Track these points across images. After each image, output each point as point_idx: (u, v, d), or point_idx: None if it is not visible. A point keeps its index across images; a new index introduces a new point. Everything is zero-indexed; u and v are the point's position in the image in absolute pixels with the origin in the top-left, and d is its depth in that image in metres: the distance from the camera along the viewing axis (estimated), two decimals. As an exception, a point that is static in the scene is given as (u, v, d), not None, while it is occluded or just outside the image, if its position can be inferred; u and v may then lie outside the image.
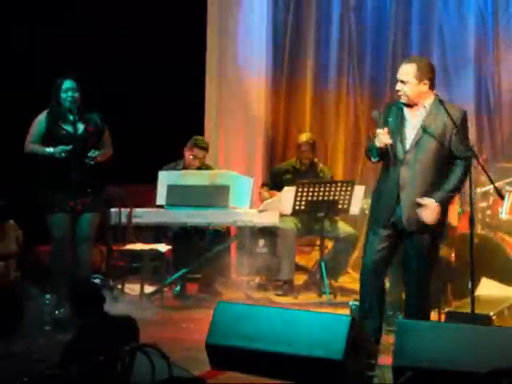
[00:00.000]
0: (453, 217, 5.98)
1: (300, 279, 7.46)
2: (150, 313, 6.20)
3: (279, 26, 8.74)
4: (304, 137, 7.62)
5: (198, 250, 6.95)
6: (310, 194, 6.90)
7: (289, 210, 6.98)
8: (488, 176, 5.44)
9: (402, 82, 4.94)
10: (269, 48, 8.70)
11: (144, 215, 6.75)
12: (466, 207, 5.87)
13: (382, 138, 4.87)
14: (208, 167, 7.37)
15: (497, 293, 6.11)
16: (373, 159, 5.03)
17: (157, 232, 7.22)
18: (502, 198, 6.13)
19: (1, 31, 7.67)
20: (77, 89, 5.94)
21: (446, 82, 8.25)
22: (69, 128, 5.95)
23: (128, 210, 6.71)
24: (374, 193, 5.15)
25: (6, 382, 3.27)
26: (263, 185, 7.77)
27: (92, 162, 5.92)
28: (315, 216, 7.08)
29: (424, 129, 4.92)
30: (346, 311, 5.67)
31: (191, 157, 7.17)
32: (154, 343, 3.72)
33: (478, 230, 6.70)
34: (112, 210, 6.69)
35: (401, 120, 4.99)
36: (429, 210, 4.82)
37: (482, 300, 5.83)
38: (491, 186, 6.49)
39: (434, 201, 4.81)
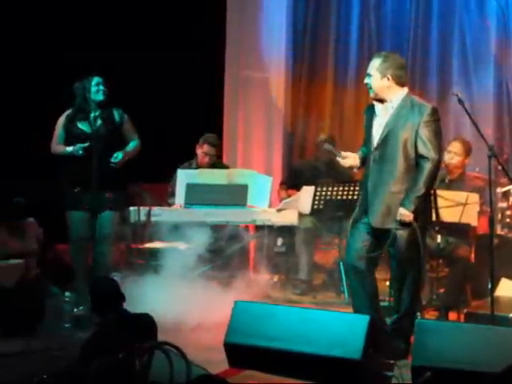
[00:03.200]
0: (472, 217, 5.94)
1: (319, 279, 7.44)
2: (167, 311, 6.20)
3: (299, 25, 8.74)
4: (323, 136, 7.61)
5: (216, 249, 6.94)
6: (329, 193, 6.89)
7: (307, 210, 6.97)
8: (508, 176, 5.42)
9: (368, 74, 5.03)
10: (288, 48, 8.69)
11: (163, 214, 6.76)
12: (486, 207, 5.84)
13: (343, 163, 5.13)
14: (221, 165, 7.36)
15: (516, 294, 6.08)
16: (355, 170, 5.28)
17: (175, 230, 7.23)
18: (523, 198, 6.10)
19: (19, 32, 7.71)
20: (104, 83, 6.01)
21: (466, 82, 8.21)
22: (85, 127, 5.98)
23: (147, 208, 6.72)
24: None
25: (26, 379, 3.29)
26: (282, 184, 7.77)
27: (116, 166, 5.94)
28: (334, 215, 7.06)
29: (389, 126, 4.96)
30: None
31: (202, 154, 7.17)
32: (172, 341, 3.73)
33: (498, 230, 6.66)
34: (131, 208, 6.71)
35: (372, 117, 5.07)
36: (402, 217, 4.87)
37: (502, 301, 5.80)
38: (511, 187, 6.46)
39: (402, 209, 4.86)
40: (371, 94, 5.04)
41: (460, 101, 5.13)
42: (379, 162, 4.96)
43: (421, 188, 4.85)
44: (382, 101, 5.02)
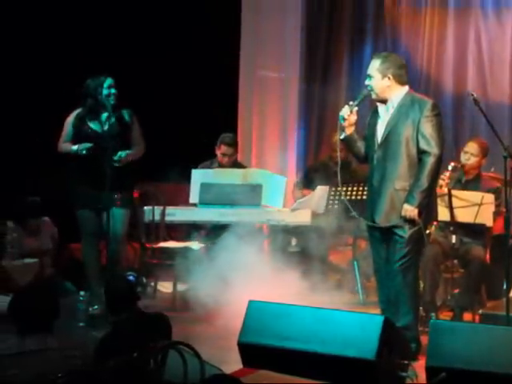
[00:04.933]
0: (488, 217, 5.92)
1: (333, 278, 7.43)
2: (182, 310, 6.22)
3: (314, 25, 8.72)
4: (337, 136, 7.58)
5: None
6: (343, 193, 6.87)
7: (321, 209, 6.96)
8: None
9: (368, 76, 5.03)
10: (303, 48, 8.68)
11: (177, 213, 6.77)
12: (502, 208, 5.81)
13: (344, 109, 4.99)
14: (241, 165, 7.37)
15: (532, 294, 6.04)
16: (341, 137, 5.16)
17: (190, 230, 7.24)
18: (539, 198, 6.06)
19: (32, 35, 7.74)
20: (115, 86, 6.01)
21: (481, 83, 8.16)
22: (95, 126, 6.01)
23: (161, 207, 6.74)
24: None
25: (41, 377, 3.30)
26: (296, 184, 7.76)
27: (119, 164, 5.94)
28: (348, 215, 7.04)
29: (391, 124, 4.97)
30: (379, 311, 5.63)
31: (221, 155, 7.18)
32: (186, 341, 3.73)
33: (514, 230, 6.62)
34: (145, 207, 6.73)
35: (375, 118, 5.08)
36: (407, 213, 4.87)
37: (517, 302, 5.77)
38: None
39: (406, 205, 4.87)
40: (373, 96, 5.05)
41: (475, 101, 5.12)
42: (382, 161, 4.98)
43: (424, 183, 4.86)
44: (384, 101, 5.04)
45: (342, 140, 5.17)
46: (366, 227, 5.23)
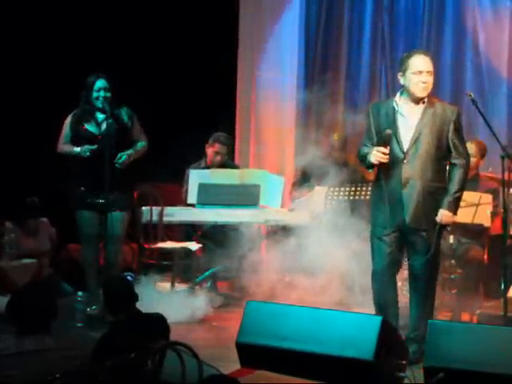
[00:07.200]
0: (485, 218, 5.92)
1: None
2: (180, 311, 6.21)
3: (311, 26, 8.72)
4: (336, 136, 7.59)
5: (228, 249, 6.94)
6: (341, 194, 6.87)
7: (320, 210, 6.95)
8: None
9: (428, 72, 4.86)
10: (301, 49, 8.68)
11: (175, 213, 6.77)
12: (500, 208, 5.82)
13: (379, 157, 4.80)
14: (231, 165, 7.34)
15: (529, 295, 6.05)
16: (369, 171, 5.08)
17: (187, 230, 7.24)
18: (536, 198, 6.07)
19: (30, 31, 7.73)
20: (108, 88, 5.97)
21: (479, 83, 8.16)
22: (92, 128, 6.00)
23: (159, 208, 6.74)
24: (374, 197, 5.11)
25: (39, 378, 3.30)
26: (294, 184, 7.75)
27: (121, 166, 5.94)
28: (347, 215, 7.03)
29: (424, 126, 4.85)
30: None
31: (213, 153, 7.14)
32: (184, 341, 3.73)
33: (511, 231, 6.63)
34: (143, 208, 6.73)
35: (394, 119, 4.90)
36: (444, 218, 4.82)
37: (515, 302, 5.78)
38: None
39: (444, 211, 4.82)
40: (425, 93, 4.88)
41: (473, 101, 5.12)
42: (412, 162, 4.84)
43: (460, 189, 4.85)
44: (417, 101, 4.90)
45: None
46: (376, 231, 5.00)
